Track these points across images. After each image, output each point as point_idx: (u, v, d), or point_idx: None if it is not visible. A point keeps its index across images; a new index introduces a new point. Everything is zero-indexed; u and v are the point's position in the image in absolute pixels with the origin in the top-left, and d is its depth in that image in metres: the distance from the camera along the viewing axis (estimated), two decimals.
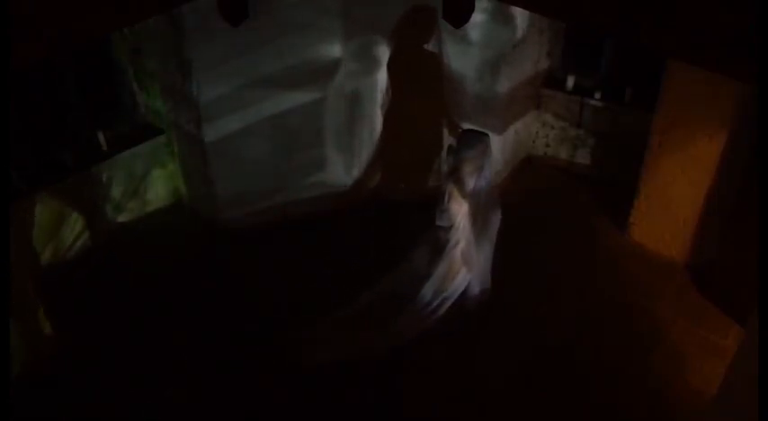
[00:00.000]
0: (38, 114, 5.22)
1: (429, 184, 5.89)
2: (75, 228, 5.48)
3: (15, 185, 5.02)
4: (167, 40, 5.08)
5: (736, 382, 3.14)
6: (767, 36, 2.34)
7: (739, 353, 3.19)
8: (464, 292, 4.93)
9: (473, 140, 4.63)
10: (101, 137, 5.50)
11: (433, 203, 4.79)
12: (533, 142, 6.52)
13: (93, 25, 3.21)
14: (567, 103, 6.17)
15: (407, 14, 5.25)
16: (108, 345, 4.94)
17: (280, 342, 4.83)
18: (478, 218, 4.75)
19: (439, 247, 4.79)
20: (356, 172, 5.94)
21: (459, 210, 4.70)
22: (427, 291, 4.82)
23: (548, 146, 6.47)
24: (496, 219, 4.82)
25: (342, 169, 5.89)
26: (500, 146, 5.83)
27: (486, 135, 4.71)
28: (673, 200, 5.31)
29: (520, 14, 5.40)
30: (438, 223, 4.74)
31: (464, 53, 5.38)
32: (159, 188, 5.96)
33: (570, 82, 6.12)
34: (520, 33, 5.54)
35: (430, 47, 5.39)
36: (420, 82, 5.55)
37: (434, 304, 4.84)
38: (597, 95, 6.03)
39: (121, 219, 5.82)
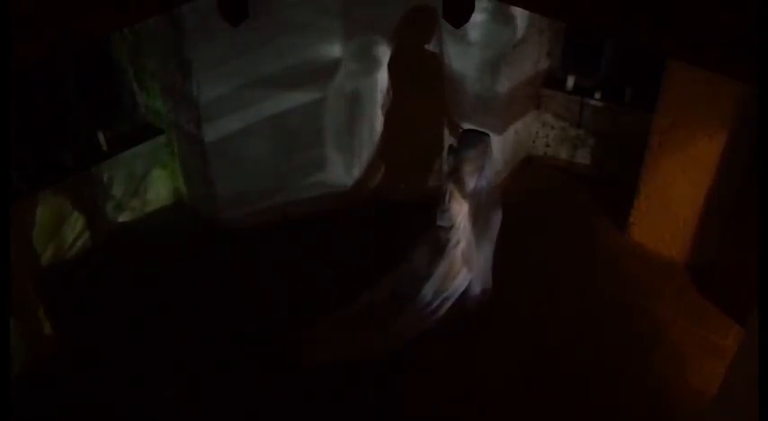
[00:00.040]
0: (38, 114, 5.22)
1: (429, 184, 5.89)
2: (75, 228, 5.48)
3: (15, 185, 5.02)
4: (167, 40, 5.08)
5: (736, 382, 3.14)
6: (767, 36, 2.34)
7: (739, 353, 3.19)
8: (464, 292, 4.93)
9: (473, 140, 4.63)
10: (101, 137, 5.50)
11: (434, 203, 4.79)
12: (533, 142, 6.52)
13: (93, 25, 3.22)
14: (567, 103, 6.17)
15: (407, 14, 5.25)
16: (108, 345, 4.94)
17: (280, 342, 4.83)
18: (479, 218, 4.75)
19: (439, 247, 4.79)
20: (356, 172, 5.94)
21: (460, 210, 4.70)
22: (427, 291, 4.81)
23: (548, 146, 6.47)
24: (497, 219, 4.81)
25: (342, 169, 5.88)
26: (500, 146, 5.83)
27: (487, 135, 4.71)
28: (673, 200, 5.31)
29: (520, 14, 5.40)
30: (439, 223, 4.75)
31: (464, 53, 5.38)
32: (159, 188, 5.96)
33: (570, 82, 6.12)
34: (520, 33, 5.54)
35: (430, 47, 5.39)
36: (420, 82, 5.55)
37: (435, 304, 4.84)
38: (597, 95, 6.02)
39: (122, 218, 5.82)
